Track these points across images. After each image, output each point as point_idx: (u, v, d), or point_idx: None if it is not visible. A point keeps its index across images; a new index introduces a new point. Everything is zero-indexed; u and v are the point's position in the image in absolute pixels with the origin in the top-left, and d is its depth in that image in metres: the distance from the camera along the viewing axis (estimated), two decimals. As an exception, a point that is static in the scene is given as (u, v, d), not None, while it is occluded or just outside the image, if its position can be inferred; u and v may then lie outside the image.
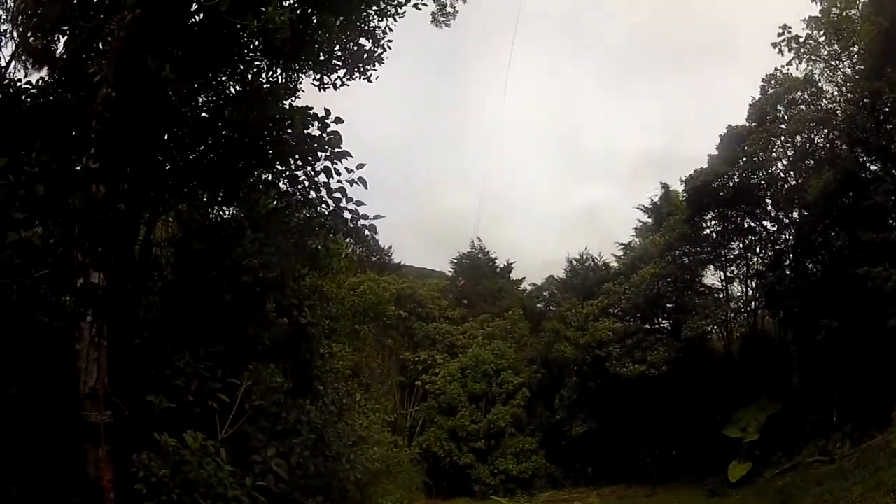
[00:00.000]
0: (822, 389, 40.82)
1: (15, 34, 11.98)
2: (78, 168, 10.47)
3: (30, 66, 12.02)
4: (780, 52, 45.17)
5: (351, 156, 13.06)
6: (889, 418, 35.45)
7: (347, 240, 14.84)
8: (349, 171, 13.10)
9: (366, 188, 13.16)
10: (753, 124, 45.88)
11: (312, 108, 13.19)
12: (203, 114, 13.78)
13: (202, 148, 13.25)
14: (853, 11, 42.97)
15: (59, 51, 11.90)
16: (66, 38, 11.88)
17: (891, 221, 39.29)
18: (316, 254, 15.84)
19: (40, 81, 11.80)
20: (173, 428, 10.35)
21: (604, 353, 50.18)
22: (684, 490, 44.11)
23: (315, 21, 13.39)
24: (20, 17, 11.76)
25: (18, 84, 11.92)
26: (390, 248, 75.26)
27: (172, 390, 11.12)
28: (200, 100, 13.80)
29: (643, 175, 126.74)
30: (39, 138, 10.60)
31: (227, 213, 14.69)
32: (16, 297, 10.86)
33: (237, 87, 14.15)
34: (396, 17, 14.93)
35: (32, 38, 11.99)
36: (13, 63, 11.89)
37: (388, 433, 36.52)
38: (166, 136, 13.29)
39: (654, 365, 47.09)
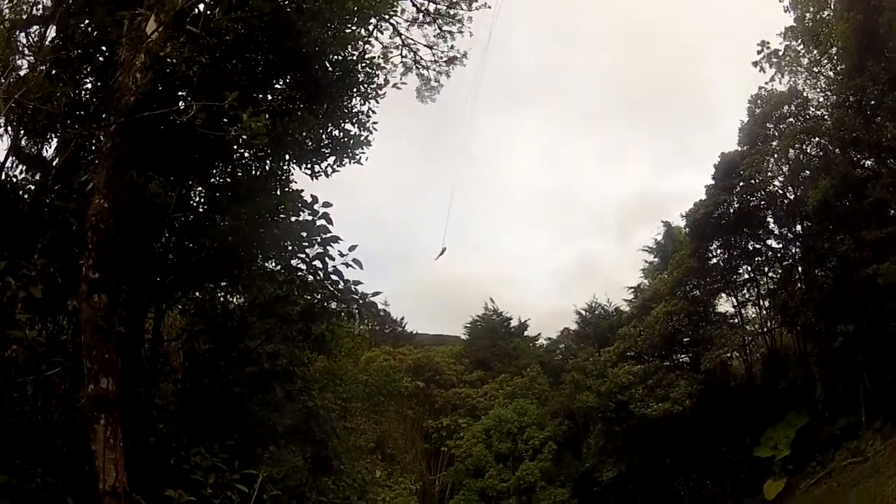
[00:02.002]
0: (846, 394, 41.13)
1: (6, 138, 12.49)
2: (76, 272, 10.99)
3: (23, 171, 12.57)
4: (762, 69, 45.93)
5: (341, 240, 13.40)
6: None
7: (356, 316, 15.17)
8: (342, 254, 13.43)
9: (361, 268, 13.48)
10: (745, 147, 46.78)
11: (303, 191, 13.72)
12: (198, 209, 14.26)
13: (202, 241, 13.34)
14: (826, 13, 43.54)
15: (50, 155, 12.42)
16: (56, 142, 12.41)
17: (892, 213, 39.78)
18: (321, 338, 16.20)
19: (35, 184, 12.27)
20: (194, 520, 10.70)
21: (626, 396, 50.32)
22: (722, 517, 44.03)
23: (298, 116, 13.96)
24: (13, 119, 12.22)
25: (15, 181, 12.32)
26: (402, 319, 75.98)
27: (191, 484, 11.50)
28: (193, 199, 14.34)
29: (630, 221, 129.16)
30: (36, 242, 11.14)
31: (231, 304, 15.12)
32: (30, 394, 11.42)
33: (228, 181, 14.65)
34: (378, 99, 15.66)
35: (25, 141, 12.53)
36: (9, 159, 12.39)
37: (416, 501, 36.59)
38: (165, 234, 13.57)
39: (677, 401, 47.35)
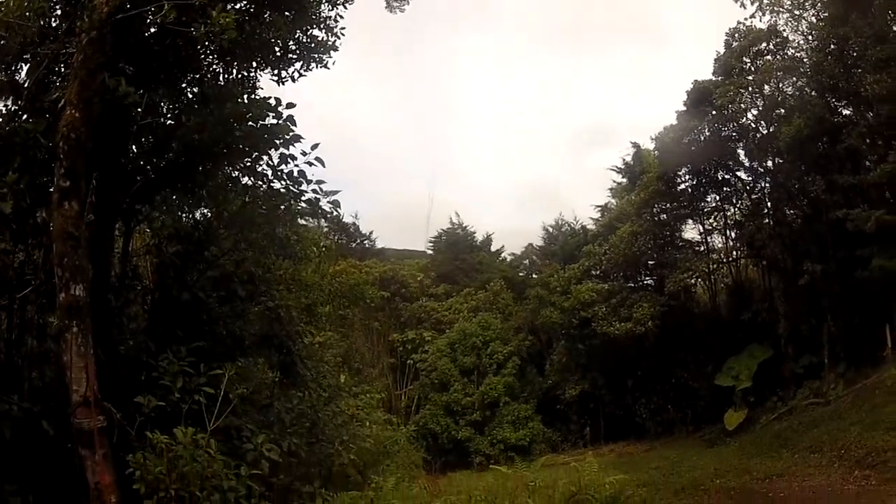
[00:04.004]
0: (810, 333, 41.49)
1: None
2: (46, 187, 10.96)
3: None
4: (742, 5, 45.03)
5: (303, 138, 13.40)
6: (881, 356, 36.34)
7: (324, 228, 15.23)
8: (305, 153, 13.45)
9: (323, 166, 13.55)
10: (720, 77, 46.29)
11: (270, 98, 13.44)
12: (167, 121, 13.91)
13: (169, 155, 13.44)
14: None
15: (22, 79, 12.27)
16: (28, 66, 12.24)
17: (867, 164, 39.56)
18: (286, 242, 16.23)
19: (5, 109, 12.04)
20: (164, 426, 10.82)
21: (589, 314, 50.66)
22: (682, 443, 44.43)
23: (266, 19, 13.86)
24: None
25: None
26: (371, 233, 76.01)
27: (160, 390, 11.63)
28: (163, 108, 13.94)
29: (589, 144, 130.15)
30: (7, 163, 11.02)
31: (199, 216, 15.13)
32: (4, 324, 11.54)
33: (195, 91, 14.46)
34: (347, 4, 15.50)
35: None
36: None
37: (382, 413, 36.96)
38: (133, 148, 13.61)
39: (640, 322, 47.39)
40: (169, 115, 14.13)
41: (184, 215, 14.86)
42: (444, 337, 58.60)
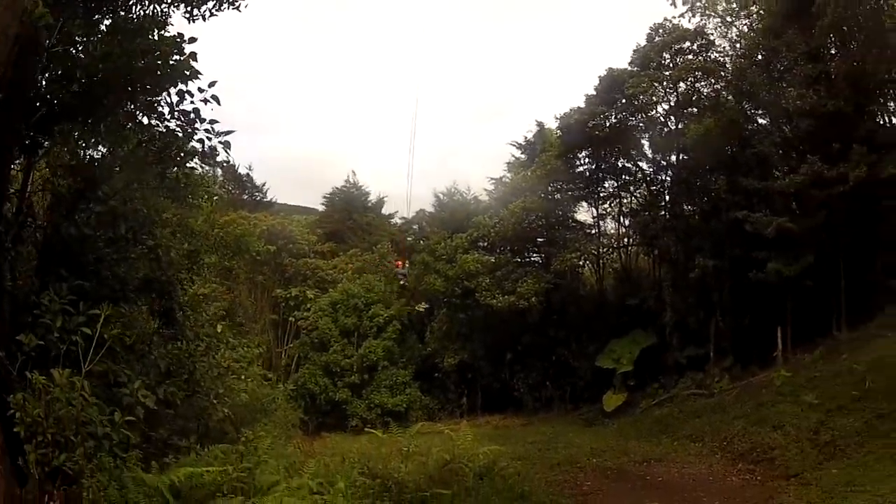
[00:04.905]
0: (697, 326, 42.13)
1: None
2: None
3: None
4: (674, 3, 45.42)
5: (201, 74, 13.09)
6: (771, 357, 37.25)
7: (219, 177, 14.93)
8: (201, 90, 13.25)
9: (219, 104, 13.31)
10: (636, 68, 45.97)
11: (180, 36, 13.02)
12: (78, 52, 13.34)
13: (73, 86, 12.90)
14: None
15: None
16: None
17: (777, 172, 40.05)
18: (176, 184, 15.92)
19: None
20: (44, 366, 10.56)
21: (473, 284, 50.39)
22: (560, 420, 44.55)
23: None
24: None
25: None
26: (264, 185, 75.15)
27: (41, 329, 11.33)
28: (76, 38, 13.14)
29: (485, 117, 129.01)
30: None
31: (97, 153, 14.72)
32: None
33: (109, 21, 13.79)
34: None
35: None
36: None
37: (260, 369, 36.65)
38: (41, 80, 12.92)
39: (523, 296, 47.24)
40: (80, 46, 13.34)
41: (81, 151, 14.46)
42: (326, 296, 57.54)
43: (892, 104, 40.22)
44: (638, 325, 45.36)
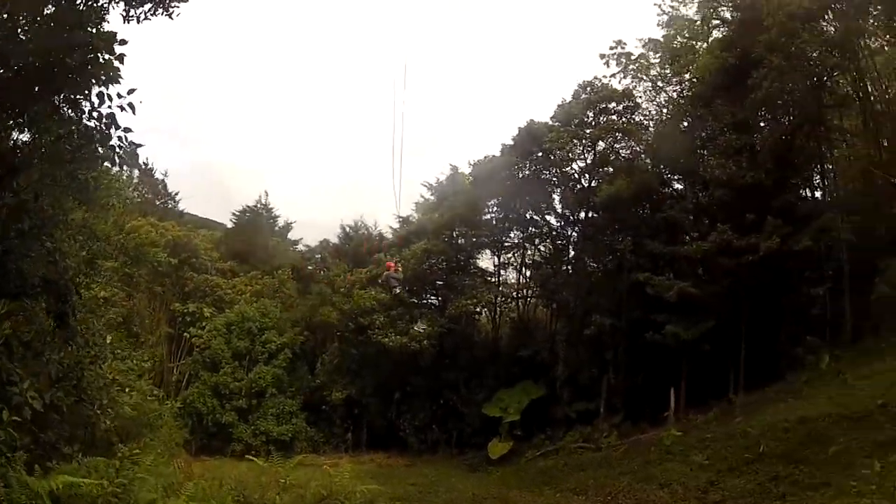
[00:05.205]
0: (589, 382, 42.77)
1: None
2: None
3: None
4: (607, 63, 46.72)
5: (122, 79, 12.92)
6: (663, 417, 37.94)
7: (135, 179, 14.78)
8: (120, 95, 12.99)
9: (134, 113, 13.04)
10: (557, 123, 46.72)
11: (116, 34, 12.92)
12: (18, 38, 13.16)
13: (7, 74, 12.64)
14: (700, 43, 45.38)
15: None
16: None
17: (686, 237, 41.18)
18: (86, 185, 15.69)
19: None
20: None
21: (367, 321, 50.21)
22: (444, 463, 44.51)
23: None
24: None
25: None
26: (176, 194, 74.17)
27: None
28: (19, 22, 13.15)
29: (415, 155, 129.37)
30: None
31: (20, 141, 14.45)
32: None
33: (51, 11, 13.70)
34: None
35: None
36: None
37: (149, 383, 35.92)
38: None
39: (416, 338, 47.53)
40: (20, 33, 13.30)
41: (5, 136, 14.22)
42: (222, 316, 56.17)
43: (817, 178, 41.99)
44: (529, 376, 45.66)
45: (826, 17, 39.03)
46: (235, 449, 47.28)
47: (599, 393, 41.88)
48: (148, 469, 15.80)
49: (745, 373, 37.58)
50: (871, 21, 38.31)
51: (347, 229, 63.92)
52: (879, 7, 36.43)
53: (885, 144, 39.52)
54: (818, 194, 42.38)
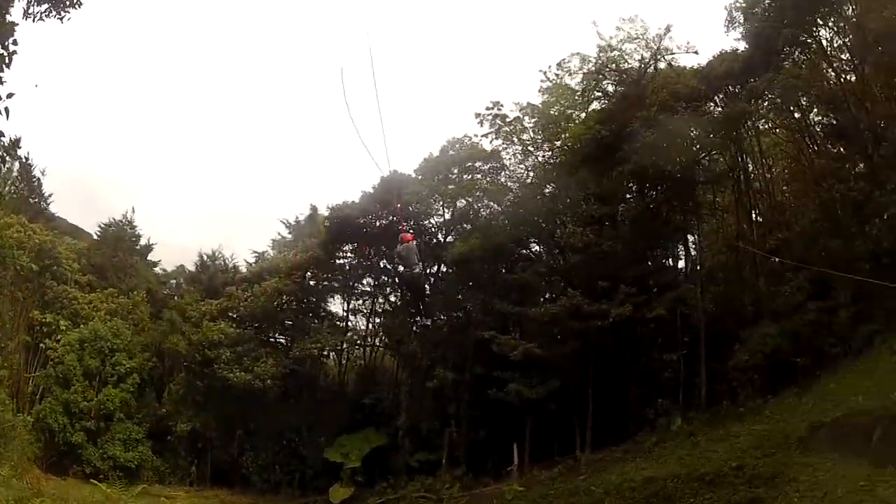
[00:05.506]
0: (431, 433, 43.62)
1: None
2: None
3: None
4: (482, 122, 47.50)
5: (5, 81, 12.79)
6: (506, 471, 39.05)
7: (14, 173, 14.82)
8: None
9: (7, 118, 12.63)
10: (420, 176, 47.99)
11: (17, 24, 13.02)
12: None
13: None
14: (577, 113, 46.69)
15: None
16: None
17: (540, 299, 42.62)
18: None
19: None
20: None
21: (214, 354, 50.23)
22: (286, 504, 43.47)
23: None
24: None
25: None
26: (50, 195, 72.63)
27: None
28: None
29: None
30: None
31: None
32: None
33: None
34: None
35: None
36: None
37: (6, 391, 35.50)
38: None
39: (260, 377, 47.58)
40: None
41: None
42: (77, 331, 54.45)
43: (681, 249, 44.30)
44: (372, 424, 46.44)
45: (716, 97, 41.47)
46: (85, 471, 46.28)
47: (442, 445, 42.70)
48: (1, 480, 16.10)
49: (593, 432, 38.94)
50: (765, 104, 40.68)
51: (205, 258, 63.55)
52: (776, 91, 38.41)
53: (760, 220, 42.47)
54: (682, 264, 44.70)
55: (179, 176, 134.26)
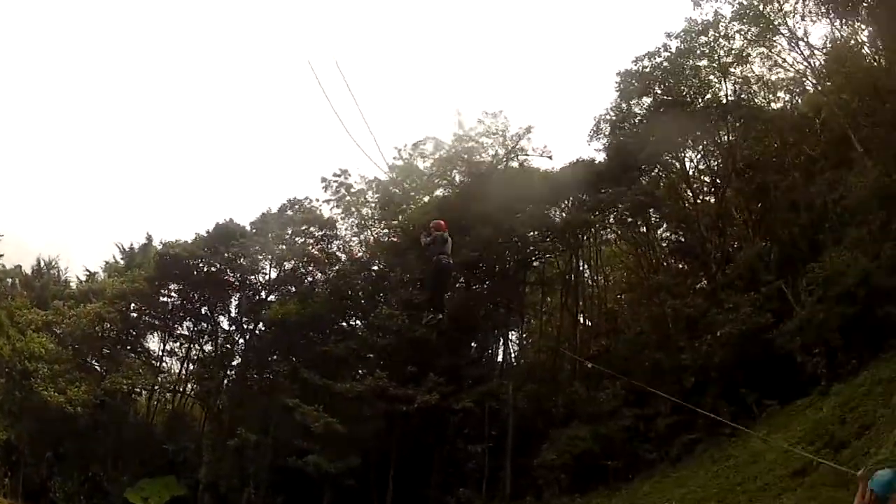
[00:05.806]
0: (230, 491, 43.71)
1: None
2: None
3: None
4: (326, 187, 48.57)
5: None
6: None
7: None
8: None
9: None
10: (254, 230, 48.31)
11: None
12: None
13: None
14: (421, 196, 48.53)
15: None
16: None
17: (353, 374, 42.94)
18: None
19: None
20: None
21: (34, 368, 47.99)
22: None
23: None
24: None
25: None
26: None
27: None
28: None
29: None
30: None
31: None
32: None
33: None
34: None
35: None
36: None
37: None
38: None
39: (72, 401, 45.87)
40: None
41: None
42: None
43: (501, 344, 45.72)
44: (174, 472, 45.70)
45: (562, 202, 42.89)
46: None
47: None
48: None
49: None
50: (612, 215, 42.11)
51: (42, 264, 61.45)
52: (622, 205, 39.62)
53: (588, 324, 43.96)
54: (500, 358, 45.80)
55: (43, 168, 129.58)
